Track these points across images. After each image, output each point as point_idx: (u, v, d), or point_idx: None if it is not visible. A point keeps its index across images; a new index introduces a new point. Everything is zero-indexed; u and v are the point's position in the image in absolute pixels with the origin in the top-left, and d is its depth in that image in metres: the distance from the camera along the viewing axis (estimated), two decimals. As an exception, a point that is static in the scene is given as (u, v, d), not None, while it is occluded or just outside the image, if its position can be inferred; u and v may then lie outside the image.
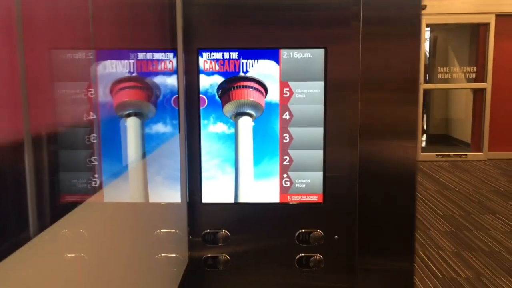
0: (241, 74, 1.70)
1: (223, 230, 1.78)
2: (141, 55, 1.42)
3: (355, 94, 1.72)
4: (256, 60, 1.69)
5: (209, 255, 1.79)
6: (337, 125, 1.73)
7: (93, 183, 1.15)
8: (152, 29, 1.38)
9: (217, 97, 1.71)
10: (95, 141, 1.16)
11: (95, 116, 1.18)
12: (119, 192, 1.29)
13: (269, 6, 1.69)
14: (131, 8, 1.22)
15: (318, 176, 1.76)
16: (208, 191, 1.76)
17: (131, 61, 1.39)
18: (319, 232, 1.78)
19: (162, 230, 1.49)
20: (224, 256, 1.79)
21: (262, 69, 1.70)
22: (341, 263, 1.81)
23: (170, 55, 1.52)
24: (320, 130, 1.73)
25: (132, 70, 1.41)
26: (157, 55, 1.46)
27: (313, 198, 1.77)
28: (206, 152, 1.73)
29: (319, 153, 1.74)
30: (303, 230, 1.78)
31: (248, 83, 1.70)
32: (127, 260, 1.21)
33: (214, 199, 1.76)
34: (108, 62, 1.29)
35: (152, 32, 1.39)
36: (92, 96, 1.16)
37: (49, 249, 0.79)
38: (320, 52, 1.69)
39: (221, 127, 1.73)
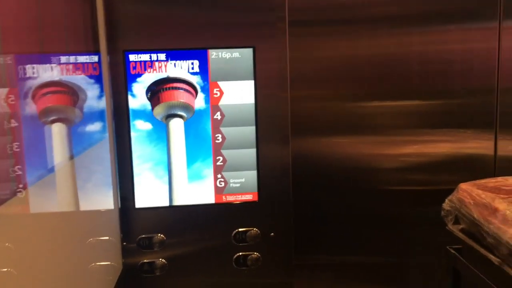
0: (170, 75, 1.68)
1: (159, 234, 1.75)
2: (63, 59, 1.37)
3: (284, 92, 1.74)
4: (184, 61, 1.68)
5: (145, 260, 1.76)
6: (268, 124, 1.75)
7: (17, 193, 1.09)
8: (71, 30, 1.34)
9: (146, 100, 1.68)
10: (18, 149, 1.11)
11: (16, 124, 1.13)
12: (46, 201, 1.24)
13: (195, 6, 1.68)
14: (46, 9, 1.17)
15: (252, 175, 1.76)
16: (141, 196, 1.72)
17: (53, 65, 1.33)
18: (255, 230, 1.79)
19: (93, 238, 1.45)
20: (161, 260, 1.76)
21: (191, 70, 1.68)
22: (278, 260, 1.82)
23: (94, 57, 1.48)
24: (252, 129, 1.74)
25: (54, 75, 1.36)
26: (81, 58, 1.42)
27: (248, 197, 1.78)
28: (137, 155, 1.70)
29: (252, 152, 1.75)
30: (239, 229, 1.78)
31: (178, 85, 1.68)
32: (56, 272, 1.16)
33: (148, 203, 1.73)
34: (28, 66, 1.23)
35: (71, 34, 1.34)
36: (13, 103, 1.11)
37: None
38: (249, 52, 1.70)
39: (151, 130, 1.70)
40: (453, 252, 1.38)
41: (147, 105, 1.68)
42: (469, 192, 1.32)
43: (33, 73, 1.26)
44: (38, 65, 1.28)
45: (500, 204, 1.19)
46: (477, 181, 1.37)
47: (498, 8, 1.79)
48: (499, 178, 1.39)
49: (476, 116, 1.86)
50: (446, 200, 1.41)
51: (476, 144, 1.87)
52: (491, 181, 1.36)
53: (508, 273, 1.12)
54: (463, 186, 1.37)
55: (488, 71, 1.83)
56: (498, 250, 1.16)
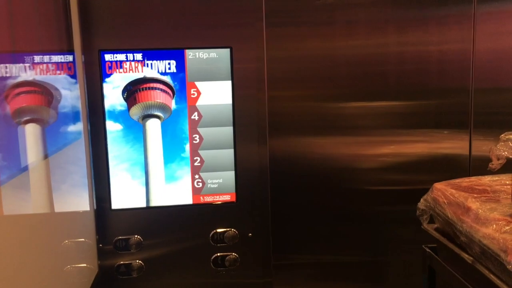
0: (147, 75, 1.67)
1: (136, 236, 1.73)
2: (37, 58, 1.35)
3: (262, 92, 1.74)
4: (161, 61, 1.66)
5: (121, 262, 1.74)
6: (246, 124, 1.75)
7: (-10, 195, 1.07)
8: (44, 29, 1.32)
9: (122, 100, 1.66)
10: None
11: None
12: (20, 203, 1.22)
13: (172, 6, 1.67)
14: (18, 7, 1.15)
15: (230, 175, 1.76)
16: (118, 197, 1.70)
17: (26, 65, 1.31)
18: (233, 231, 1.78)
19: (69, 240, 1.43)
20: (138, 262, 1.74)
21: (167, 70, 1.67)
22: (257, 260, 1.82)
23: (69, 57, 1.46)
24: (230, 129, 1.73)
25: (27, 74, 1.33)
26: (55, 58, 1.40)
27: (226, 198, 1.77)
28: (113, 156, 1.68)
29: (230, 152, 1.75)
30: (217, 230, 1.78)
31: (154, 85, 1.67)
32: (31, 274, 1.14)
33: (125, 204, 1.71)
34: (0, 66, 1.21)
35: (44, 33, 1.32)
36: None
37: None
38: (226, 52, 1.69)
39: (128, 130, 1.68)
40: (428, 250, 1.39)
41: (123, 105, 1.67)
42: (443, 192, 1.34)
43: (6, 72, 1.24)
44: (11, 65, 1.25)
45: (473, 204, 1.21)
46: (451, 181, 1.39)
47: (472, 10, 1.82)
48: (473, 178, 1.41)
49: (452, 117, 1.89)
50: (421, 200, 1.42)
51: (452, 144, 1.89)
52: (464, 181, 1.38)
53: (481, 271, 1.13)
54: (438, 185, 1.38)
55: (462, 72, 1.85)
56: (470, 248, 1.18)
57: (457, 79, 1.86)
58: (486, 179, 1.38)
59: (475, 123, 1.88)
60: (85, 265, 1.58)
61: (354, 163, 1.87)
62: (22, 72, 1.31)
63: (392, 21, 1.82)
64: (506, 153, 1.20)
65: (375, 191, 1.89)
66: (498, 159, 1.29)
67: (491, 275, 1.10)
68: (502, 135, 1.33)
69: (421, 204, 1.42)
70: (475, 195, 1.26)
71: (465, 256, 1.21)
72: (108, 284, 1.73)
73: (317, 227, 1.89)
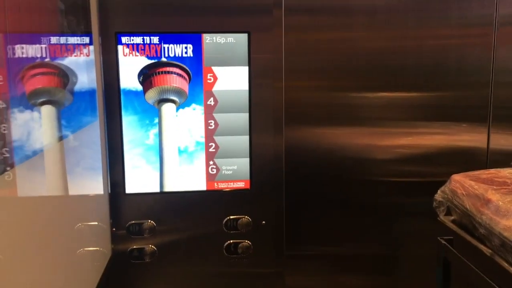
0: (163, 59, 1.65)
1: (149, 221, 1.73)
2: (53, 39, 1.34)
3: (279, 81, 1.72)
4: (178, 45, 1.65)
5: (134, 246, 1.74)
6: (262, 112, 1.73)
7: (6, 176, 1.07)
8: (61, 11, 1.31)
9: (138, 83, 1.65)
10: (5, 131, 1.08)
11: (4, 105, 1.10)
12: (35, 185, 1.22)
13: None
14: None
15: (245, 162, 1.75)
16: (132, 181, 1.70)
17: (43, 46, 1.31)
18: (246, 218, 1.78)
19: (82, 224, 1.43)
20: (151, 247, 1.75)
21: (184, 54, 1.66)
22: (269, 249, 1.82)
23: (86, 39, 1.45)
24: (246, 115, 1.72)
25: (44, 56, 1.33)
26: (71, 39, 1.39)
27: (240, 185, 1.76)
28: (128, 140, 1.68)
29: (245, 139, 1.73)
30: (231, 217, 1.77)
31: (171, 69, 1.66)
32: (44, 257, 1.14)
33: (139, 189, 1.71)
34: (17, 47, 1.21)
35: (62, 15, 1.31)
36: (1, 83, 1.09)
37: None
38: (244, 37, 1.67)
39: (143, 114, 1.67)
40: (444, 242, 1.37)
41: (139, 89, 1.66)
42: (462, 183, 1.31)
43: (22, 53, 1.23)
44: (27, 45, 1.25)
45: (493, 195, 1.19)
46: (470, 173, 1.37)
47: (495, 4, 1.78)
48: (492, 170, 1.38)
49: (470, 110, 1.86)
50: (439, 191, 1.40)
51: (470, 137, 1.87)
52: (484, 173, 1.36)
53: (499, 264, 1.11)
54: (456, 177, 1.36)
55: (483, 66, 1.82)
56: (490, 241, 1.16)
57: (477, 73, 1.83)
58: (506, 172, 1.35)
59: (494, 117, 1.85)
60: (98, 248, 1.58)
61: (370, 154, 1.84)
62: (38, 53, 1.31)
63: (412, 12, 1.78)
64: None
65: (390, 182, 1.87)
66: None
67: (511, 268, 1.08)
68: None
69: (439, 196, 1.39)
70: (495, 187, 1.23)
71: (484, 248, 1.19)
72: (121, 268, 1.74)
73: (331, 218, 1.87)
